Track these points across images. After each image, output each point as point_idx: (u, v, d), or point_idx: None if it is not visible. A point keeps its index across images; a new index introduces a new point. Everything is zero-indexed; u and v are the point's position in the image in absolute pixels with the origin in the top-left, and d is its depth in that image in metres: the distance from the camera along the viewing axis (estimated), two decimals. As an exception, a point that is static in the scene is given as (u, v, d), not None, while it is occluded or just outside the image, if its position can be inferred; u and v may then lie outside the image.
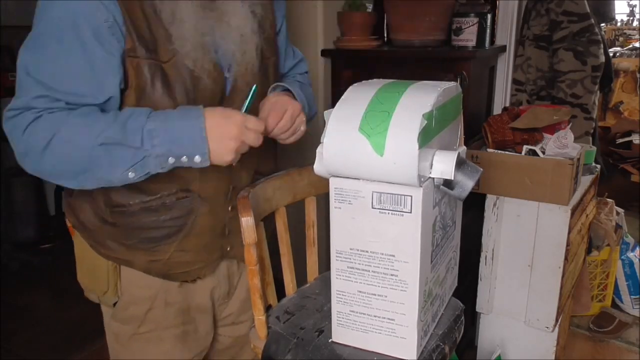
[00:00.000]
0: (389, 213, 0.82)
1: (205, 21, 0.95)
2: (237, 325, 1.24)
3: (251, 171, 1.12)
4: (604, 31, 4.46)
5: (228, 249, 1.12)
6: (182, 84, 0.94)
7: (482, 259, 1.64)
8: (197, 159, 0.88)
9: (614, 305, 2.29)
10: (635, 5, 5.42)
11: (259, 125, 0.92)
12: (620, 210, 2.10)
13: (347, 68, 1.96)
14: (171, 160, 0.88)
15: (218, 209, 1.06)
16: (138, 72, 0.91)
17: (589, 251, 1.91)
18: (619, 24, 5.40)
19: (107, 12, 0.86)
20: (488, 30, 1.83)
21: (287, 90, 1.11)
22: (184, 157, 0.87)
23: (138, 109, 0.89)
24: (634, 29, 5.30)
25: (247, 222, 0.96)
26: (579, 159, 1.49)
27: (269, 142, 1.07)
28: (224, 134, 0.88)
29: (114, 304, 1.07)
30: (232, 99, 1.02)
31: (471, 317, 1.86)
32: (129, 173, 0.87)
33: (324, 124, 0.83)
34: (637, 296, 2.25)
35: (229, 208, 1.08)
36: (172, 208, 1.00)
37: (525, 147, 1.51)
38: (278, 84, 1.11)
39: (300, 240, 1.23)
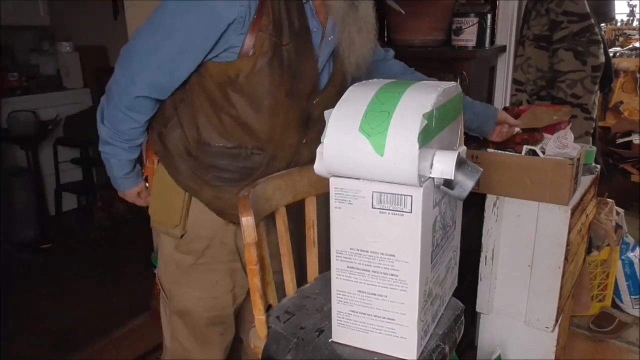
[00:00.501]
0: (389, 213, 0.82)
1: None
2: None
3: (314, 149, 1.20)
4: (604, 31, 4.46)
5: None
6: (289, 68, 1.09)
7: (482, 259, 1.64)
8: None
9: (614, 305, 2.29)
10: (635, 5, 5.41)
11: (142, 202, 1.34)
12: (620, 210, 2.10)
13: (347, 68, 1.95)
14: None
15: (280, 169, 1.19)
16: (263, 45, 1.05)
17: (589, 251, 1.91)
18: (619, 24, 5.39)
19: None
20: (488, 30, 1.83)
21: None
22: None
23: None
24: (634, 29, 5.30)
25: (247, 221, 0.96)
26: (579, 159, 1.49)
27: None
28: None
29: (181, 237, 1.25)
30: (323, 92, 1.18)
31: (471, 317, 1.86)
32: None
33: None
34: (637, 296, 2.25)
35: None
36: (247, 159, 1.15)
37: (525, 147, 1.51)
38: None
39: (300, 240, 1.23)
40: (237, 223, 1.18)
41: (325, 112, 0.84)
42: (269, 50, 1.06)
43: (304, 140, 1.20)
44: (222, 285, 1.30)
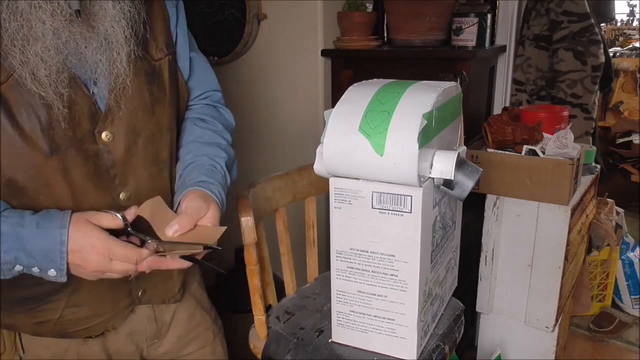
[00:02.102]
0: (389, 213, 0.82)
1: (63, 27, 0.76)
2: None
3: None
4: (604, 31, 4.46)
5: (139, 294, 0.95)
6: (29, 108, 0.76)
7: (482, 259, 1.64)
8: (52, 272, 0.75)
9: (614, 305, 2.28)
10: (635, 5, 5.42)
11: (128, 257, 0.76)
12: (620, 210, 2.10)
13: (347, 68, 1.95)
14: (18, 268, 0.75)
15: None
16: None
17: (589, 251, 1.91)
18: (619, 24, 5.40)
19: None
20: (488, 30, 1.83)
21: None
22: (35, 267, 0.75)
23: None
24: (634, 29, 5.30)
25: (246, 222, 0.96)
26: (579, 159, 1.49)
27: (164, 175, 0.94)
28: (87, 257, 0.75)
29: None
30: (112, 116, 0.84)
31: (471, 317, 1.86)
32: None
33: (324, 124, 0.83)
34: (637, 296, 2.25)
35: None
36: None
37: (525, 147, 1.51)
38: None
39: (300, 240, 1.23)
40: (93, 337, 0.92)
41: (325, 113, 0.84)
42: None
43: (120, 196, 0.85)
44: None
